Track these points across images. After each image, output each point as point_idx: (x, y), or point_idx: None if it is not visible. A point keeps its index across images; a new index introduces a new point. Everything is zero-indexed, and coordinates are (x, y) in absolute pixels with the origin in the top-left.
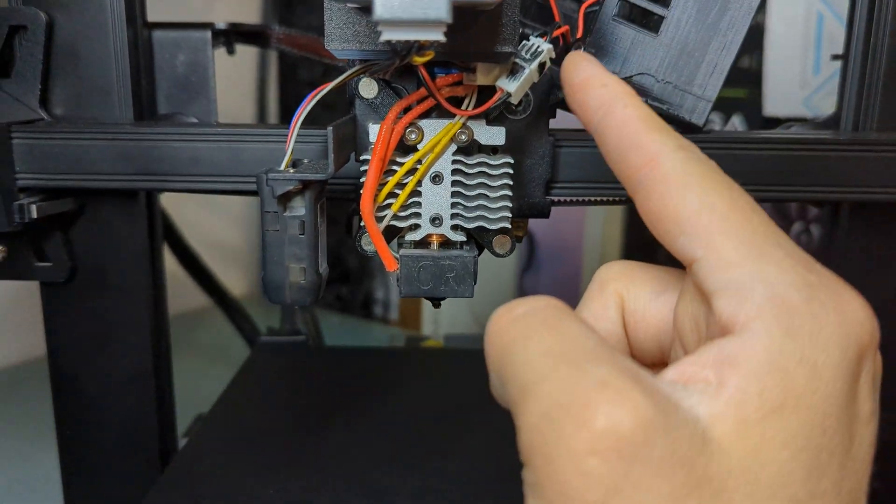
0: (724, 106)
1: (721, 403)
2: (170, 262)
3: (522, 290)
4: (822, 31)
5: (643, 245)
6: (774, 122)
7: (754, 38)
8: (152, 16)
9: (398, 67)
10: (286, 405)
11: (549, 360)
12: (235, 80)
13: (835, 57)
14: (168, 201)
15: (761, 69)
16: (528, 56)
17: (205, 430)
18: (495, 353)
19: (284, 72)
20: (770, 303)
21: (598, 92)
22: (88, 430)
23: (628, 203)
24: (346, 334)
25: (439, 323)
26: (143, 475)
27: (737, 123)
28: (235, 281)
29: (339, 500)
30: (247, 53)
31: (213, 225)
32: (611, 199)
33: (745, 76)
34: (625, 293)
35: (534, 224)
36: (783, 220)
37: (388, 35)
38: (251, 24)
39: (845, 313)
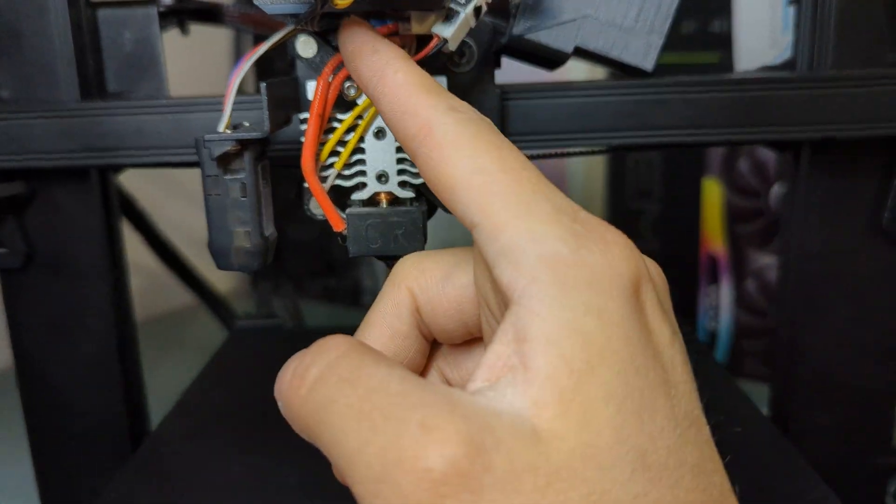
0: (697, 71)
1: (535, 388)
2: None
3: None
4: None
5: (626, 213)
6: None
7: (723, 2)
8: None
9: (321, 14)
10: (260, 387)
11: (363, 421)
12: (209, 60)
13: (790, 2)
14: (149, 199)
15: (731, 32)
16: (462, 1)
17: (176, 413)
18: (303, 428)
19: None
20: (541, 262)
21: (370, 59)
22: (56, 416)
23: (583, 154)
24: (333, 323)
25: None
26: (113, 459)
27: None
28: (222, 276)
29: (308, 478)
30: (222, 35)
31: (197, 221)
32: (562, 151)
33: (716, 40)
34: (415, 287)
35: None
36: (763, 182)
37: None
38: (201, 2)
39: (611, 253)
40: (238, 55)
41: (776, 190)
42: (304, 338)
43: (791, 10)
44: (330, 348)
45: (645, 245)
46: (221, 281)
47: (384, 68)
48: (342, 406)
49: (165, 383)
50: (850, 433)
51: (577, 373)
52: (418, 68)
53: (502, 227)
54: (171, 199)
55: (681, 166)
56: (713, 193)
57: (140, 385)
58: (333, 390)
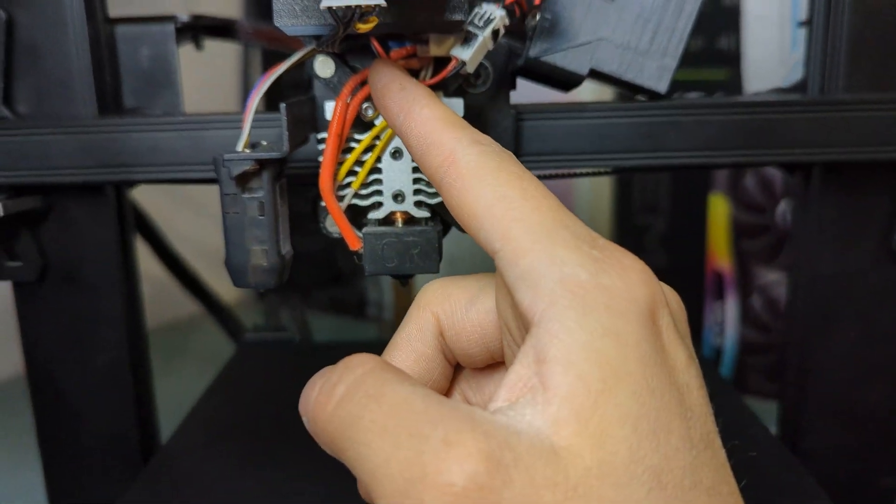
0: (705, 87)
1: (553, 407)
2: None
3: None
4: (797, 8)
5: (633, 228)
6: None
7: (732, 19)
8: (137, 11)
9: (343, 37)
10: (269, 400)
11: (388, 437)
12: (219, 75)
13: (801, 24)
14: (159, 210)
15: (739, 49)
16: (480, 24)
17: (186, 426)
18: (330, 441)
19: (269, 66)
20: (561, 285)
21: (397, 96)
22: (68, 428)
23: (594, 175)
24: (340, 335)
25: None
26: (124, 472)
27: None
28: (228, 286)
29: (320, 492)
30: (231, 49)
31: (205, 232)
32: (575, 171)
33: (725, 57)
34: (440, 312)
35: None
36: (770, 198)
37: (327, 2)
38: (217, 18)
39: (628, 278)
40: (246, 69)
41: (783, 206)
42: (312, 352)
43: (800, 30)
44: (356, 366)
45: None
46: (229, 291)
47: (411, 104)
48: (367, 422)
49: (172, 393)
50: (860, 453)
51: (594, 393)
52: (443, 104)
53: (523, 252)
54: (178, 209)
55: (687, 182)
56: (719, 209)
57: (151, 398)
58: (359, 407)
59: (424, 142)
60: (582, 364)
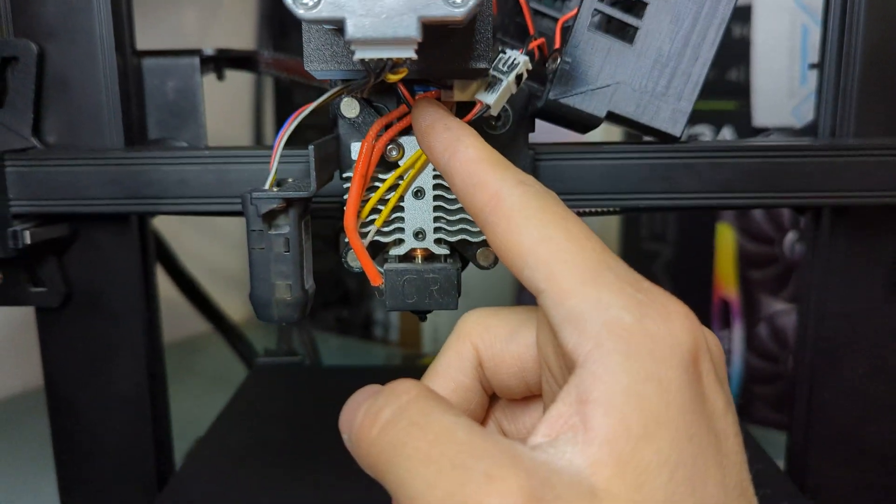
0: (714, 118)
1: (594, 448)
2: (170, 289)
3: (520, 304)
4: (806, 42)
5: (640, 255)
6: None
7: (741, 51)
8: (149, 44)
9: (374, 85)
10: (282, 425)
11: (431, 466)
12: (231, 104)
13: (812, 66)
14: (168, 228)
15: (749, 81)
16: (504, 69)
17: (201, 451)
18: (372, 464)
19: (280, 95)
20: (606, 328)
21: (442, 136)
22: (85, 453)
23: (609, 214)
24: (346, 356)
25: (439, 342)
26: (140, 498)
27: (727, 135)
28: (235, 306)
29: None
30: (242, 78)
31: (213, 251)
32: (591, 210)
33: (734, 88)
34: (480, 343)
35: None
36: (777, 230)
37: (361, 54)
38: (239, 50)
39: (672, 323)
40: (258, 96)
41: (790, 238)
42: (323, 376)
43: (808, 64)
44: (401, 392)
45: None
46: (238, 311)
47: (456, 144)
48: (411, 449)
49: (181, 411)
50: (868, 490)
51: (634, 437)
52: (487, 144)
53: (568, 293)
54: (187, 227)
55: (701, 209)
56: (727, 238)
57: (168, 424)
58: (403, 434)
59: (470, 181)
60: (624, 408)
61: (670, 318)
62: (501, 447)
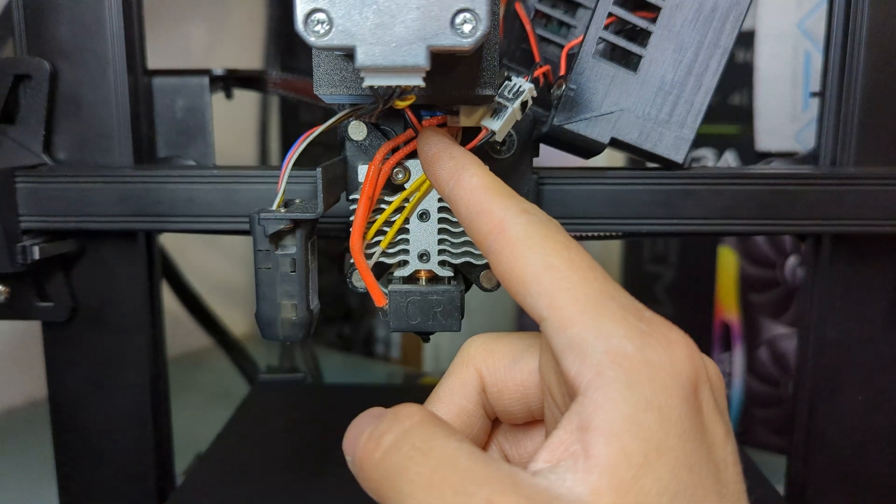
0: (717, 142)
1: (595, 476)
2: (172, 302)
3: (522, 327)
4: (809, 68)
5: (641, 277)
6: (768, 157)
7: (744, 75)
8: (157, 62)
9: (382, 111)
10: (283, 442)
11: (433, 492)
12: (238, 122)
13: (814, 94)
14: (171, 243)
15: (752, 106)
16: (510, 95)
17: (202, 467)
18: (374, 487)
19: (286, 114)
20: (607, 357)
21: (447, 164)
22: (87, 466)
23: (611, 238)
24: (348, 373)
25: (440, 360)
26: None
27: (730, 159)
28: (237, 320)
29: None
30: (249, 97)
31: (216, 265)
32: (593, 234)
33: (737, 112)
34: (483, 368)
35: None
36: (778, 254)
37: (370, 81)
38: (248, 70)
39: (673, 352)
40: (264, 115)
41: (792, 262)
42: (325, 394)
43: (810, 90)
44: (405, 418)
45: (659, 310)
46: (241, 327)
47: (460, 172)
48: (413, 474)
49: (182, 426)
50: None
51: (635, 466)
52: (491, 173)
53: (570, 322)
54: (195, 245)
55: (702, 235)
56: (728, 262)
57: (169, 439)
58: (406, 458)
59: (474, 209)
60: (625, 436)
61: (671, 347)
62: (502, 473)
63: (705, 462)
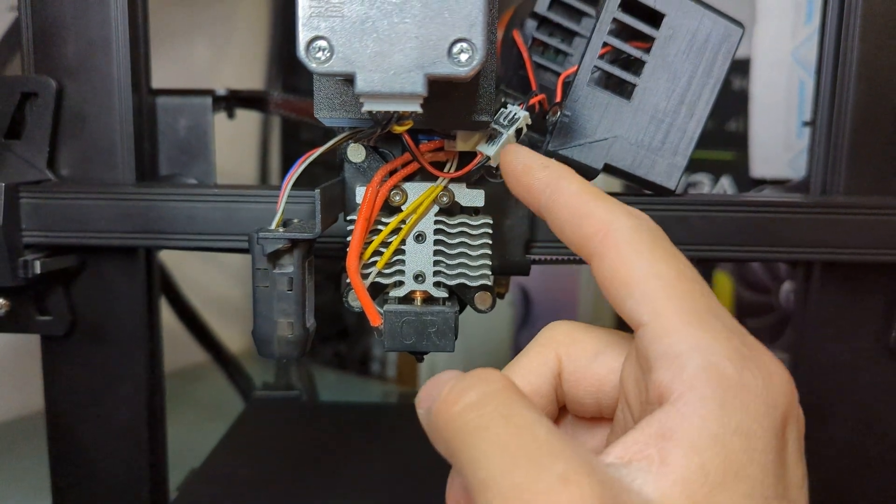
0: (713, 168)
1: (668, 483)
2: (170, 318)
3: (517, 347)
4: (803, 97)
5: None
6: (763, 183)
7: (740, 103)
8: (162, 82)
9: (381, 135)
10: (277, 459)
11: (508, 456)
12: (239, 141)
13: (806, 124)
14: (169, 258)
15: (747, 133)
16: (505, 122)
17: (195, 483)
18: (447, 438)
19: (287, 134)
20: (705, 373)
21: (541, 173)
22: (82, 479)
23: None
24: (343, 391)
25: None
26: None
27: (726, 185)
28: (234, 337)
29: None
30: (251, 116)
31: (213, 281)
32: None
33: (733, 139)
34: (564, 355)
35: (529, 281)
36: (773, 279)
37: (369, 106)
38: (250, 90)
39: (772, 383)
40: (265, 134)
41: (787, 287)
42: (320, 411)
43: (804, 118)
44: (490, 380)
45: None
46: (238, 343)
47: (558, 180)
48: (492, 434)
49: (177, 441)
50: None
51: (710, 484)
52: (587, 181)
53: (671, 331)
54: (193, 260)
55: (692, 259)
56: (724, 287)
57: (164, 454)
58: (486, 418)
59: (577, 213)
60: (707, 453)
61: (771, 377)
62: (579, 453)
63: (779, 499)
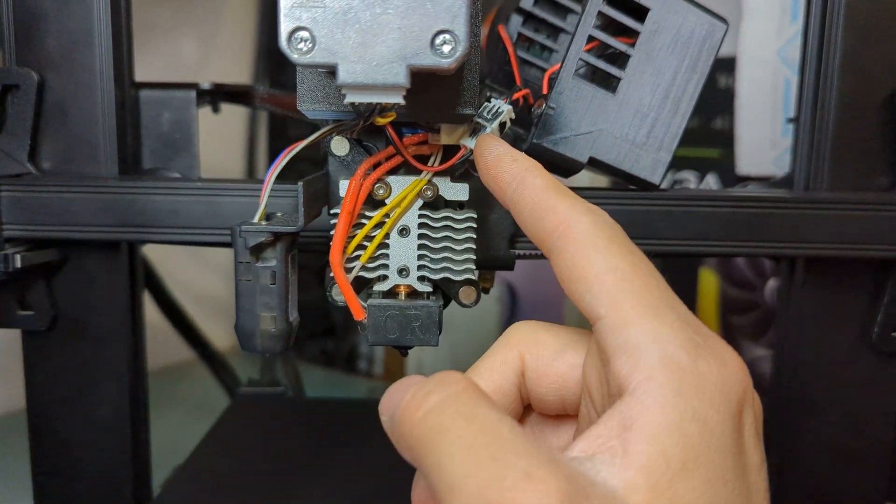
0: (699, 165)
1: (631, 472)
2: (155, 314)
3: None
4: (788, 95)
5: None
6: (748, 180)
7: (726, 100)
8: (148, 75)
9: (363, 127)
10: (262, 455)
11: (471, 456)
12: (226, 136)
13: (790, 120)
14: (154, 254)
15: (733, 130)
16: (489, 116)
17: (178, 478)
18: (411, 445)
19: (274, 128)
20: (661, 363)
21: (510, 166)
22: (64, 476)
23: None
24: (330, 388)
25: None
26: None
27: (711, 182)
28: (219, 333)
29: None
30: (238, 111)
31: (199, 278)
32: None
33: (719, 136)
34: (527, 354)
35: (515, 277)
36: (758, 276)
37: (351, 98)
38: (235, 85)
39: (726, 370)
40: (252, 129)
41: (772, 284)
42: (306, 408)
43: (790, 116)
44: (451, 382)
45: None
46: (223, 340)
47: (524, 173)
48: (454, 436)
49: (162, 439)
50: None
51: (672, 470)
52: (553, 176)
53: (628, 323)
54: (179, 256)
55: (677, 256)
56: (709, 284)
57: (147, 450)
58: (448, 420)
59: (539, 207)
60: (667, 441)
61: (725, 365)
62: (542, 450)
63: (739, 482)
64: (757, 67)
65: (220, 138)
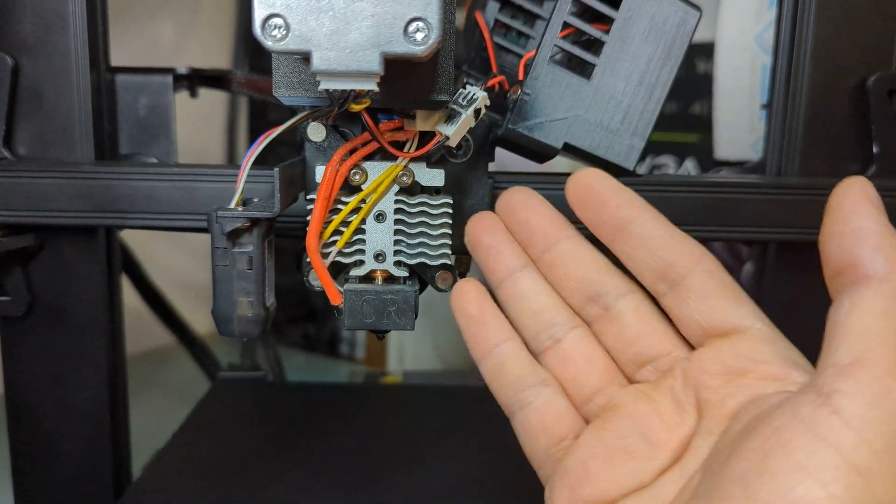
0: (677, 150)
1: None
2: (135, 299)
3: None
4: (766, 81)
5: None
6: (725, 165)
7: (704, 86)
8: (126, 60)
9: (338, 114)
10: (241, 439)
11: None
12: (206, 121)
13: (764, 106)
14: (133, 239)
15: (711, 115)
16: (464, 103)
17: (158, 463)
18: None
19: (254, 113)
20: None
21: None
22: (43, 461)
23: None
24: (311, 372)
25: (404, 360)
26: None
27: (690, 167)
28: (200, 318)
29: None
30: (217, 95)
31: (179, 263)
32: None
33: (697, 121)
34: None
35: None
36: (736, 261)
37: (325, 84)
38: (213, 69)
39: None
40: (233, 115)
41: (748, 268)
42: (286, 392)
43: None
44: None
45: None
46: (203, 324)
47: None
48: None
49: (142, 424)
50: None
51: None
52: None
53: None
54: (158, 241)
55: None
56: None
57: (127, 435)
58: None
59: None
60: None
61: None
62: None
63: None
64: (735, 53)
65: (201, 124)
